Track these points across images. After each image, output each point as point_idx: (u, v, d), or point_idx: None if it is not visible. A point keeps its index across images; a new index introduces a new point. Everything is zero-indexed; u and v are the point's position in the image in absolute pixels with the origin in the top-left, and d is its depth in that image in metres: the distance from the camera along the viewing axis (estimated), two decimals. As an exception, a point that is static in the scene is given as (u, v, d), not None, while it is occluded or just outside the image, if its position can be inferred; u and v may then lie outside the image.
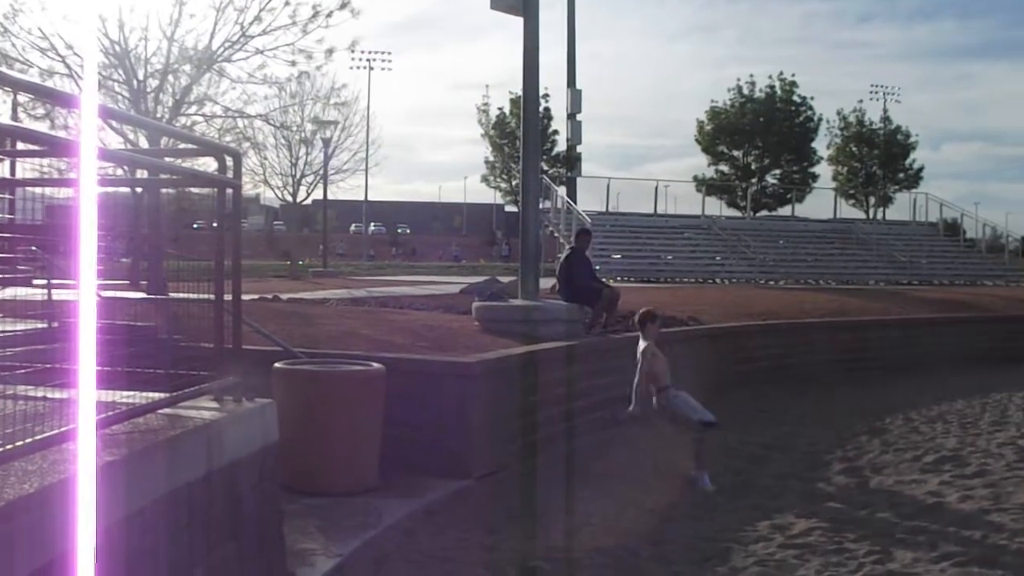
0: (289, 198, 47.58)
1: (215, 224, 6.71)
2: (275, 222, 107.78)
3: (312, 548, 8.54)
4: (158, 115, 22.90)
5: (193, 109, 24.98)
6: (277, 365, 10.82)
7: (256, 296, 20.66)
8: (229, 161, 6.79)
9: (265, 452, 6.76)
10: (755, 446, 15.37)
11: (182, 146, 11.88)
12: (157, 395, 5.94)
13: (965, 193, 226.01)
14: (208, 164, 6.80)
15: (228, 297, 6.79)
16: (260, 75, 24.63)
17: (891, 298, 34.01)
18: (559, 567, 8.99)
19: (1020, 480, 12.92)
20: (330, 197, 54.41)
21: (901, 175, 66.05)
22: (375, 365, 11.09)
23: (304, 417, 10.30)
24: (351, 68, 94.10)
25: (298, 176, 46.31)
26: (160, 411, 5.87)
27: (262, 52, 23.80)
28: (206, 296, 6.67)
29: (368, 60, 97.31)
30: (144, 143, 20.63)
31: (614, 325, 17.66)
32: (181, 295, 6.99)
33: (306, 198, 50.02)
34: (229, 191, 6.73)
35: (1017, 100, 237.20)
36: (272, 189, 47.56)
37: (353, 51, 26.97)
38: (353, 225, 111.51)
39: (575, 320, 16.37)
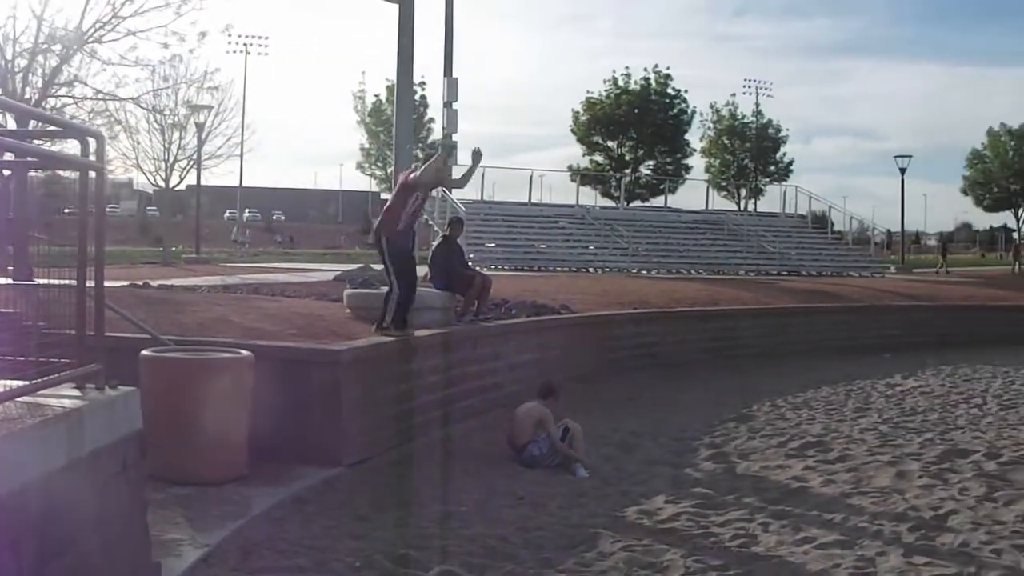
0: (162, 183, 46.70)
1: (79, 208, 6.58)
2: (148, 207, 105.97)
3: (179, 538, 8.44)
4: (26, 97, 22.40)
5: (63, 91, 24.50)
6: (144, 353, 10.66)
7: (127, 283, 20.34)
8: (92, 144, 6.66)
9: (129, 441, 6.66)
10: (625, 433, 15.54)
11: (48, 128, 11.66)
12: (16, 383, 5.82)
13: (834, 186, 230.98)
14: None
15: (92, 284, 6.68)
16: (132, 57, 24.23)
17: (761, 288, 34.62)
18: (429, 554, 8.99)
19: (880, 464, 13.32)
20: (204, 183, 53.59)
21: (772, 168, 67.41)
22: (244, 352, 10.98)
23: (172, 405, 10.17)
24: (227, 52, 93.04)
25: (171, 161, 45.58)
26: (19, 399, 5.75)
27: (134, 34, 23.44)
28: (69, 282, 6.55)
29: (245, 44, 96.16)
30: (13, 126, 20.18)
31: (486, 313, 17.71)
32: (45, 281, 6.83)
33: (179, 183, 49.19)
34: (92, 174, 6.61)
35: (886, 97, 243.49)
36: (145, 174, 46.79)
37: (229, 35, 26.73)
38: (228, 211, 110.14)
39: (447, 308, 16.37)
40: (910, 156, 60.47)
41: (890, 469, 13.03)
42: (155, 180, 47.13)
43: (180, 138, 45.65)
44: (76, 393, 6.30)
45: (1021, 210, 70.89)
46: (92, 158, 6.62)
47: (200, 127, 45.56)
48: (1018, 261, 65.86)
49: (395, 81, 17.40)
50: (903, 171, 59.93)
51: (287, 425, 11.46)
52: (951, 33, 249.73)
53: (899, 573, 8.57)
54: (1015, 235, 78.50)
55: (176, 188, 50.92)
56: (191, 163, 47.39)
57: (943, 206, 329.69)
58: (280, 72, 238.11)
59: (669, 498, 11.51)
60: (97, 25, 22.97)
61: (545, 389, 14.03)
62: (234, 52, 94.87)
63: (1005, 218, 77.67)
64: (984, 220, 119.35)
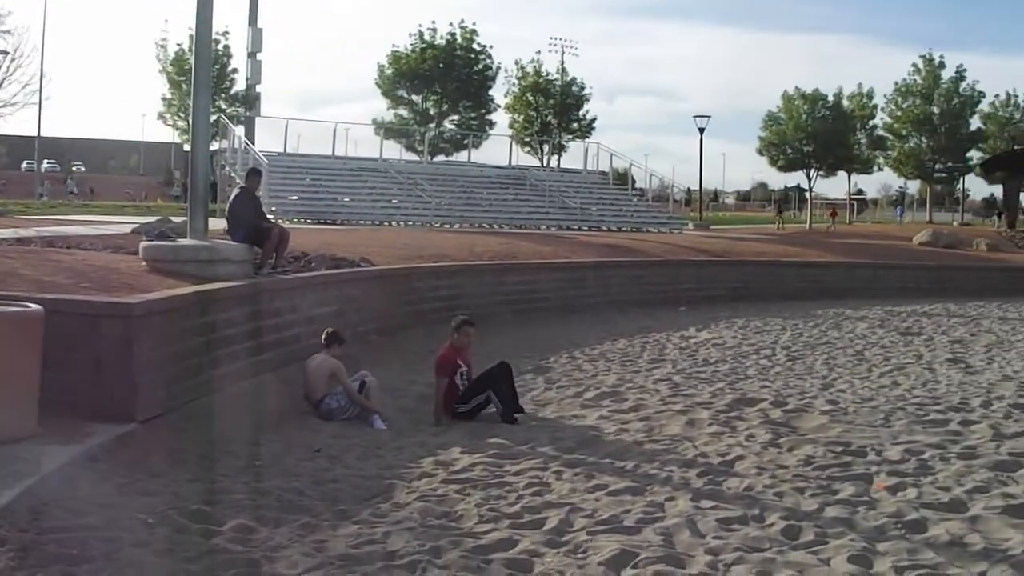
0: (-45, 132, 44.51)
1: None
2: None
3: (-36, 499, 8.24)
4: None
5: None
6: (-74, 307, 10.32)
7: (-88, 237, 19.62)
8: None
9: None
10: (423, 385, 15.62)
11: None
12: None
13: (636, 145, 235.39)
14: None
15: None
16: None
17: (561, 243, 35.13)
18: (223, 509, 8.95)
19: (672, 413, 13.72)
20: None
21: (575, 125, 68.15)
22: (32, 306, 10.68)
23: (-45, 361, 9.87)
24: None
25: (-36, 109, 43.29)
26: None
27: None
28: None
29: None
30: None
31: (284, 266, 17.58)
32: None
33: (-27, 132, 46.92)
34: None
35: (687, 59, 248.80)
36: (-62, 123, 44.26)
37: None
38: (25, 162, 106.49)
39: (245, 260, 16.17)
40: (708, 116, 62.09)
41: (681, 418, 13.42)
42: (-53, 129, 44.85)
43: (-27, 85, 43.45)
44: None
45: (813, 171, 73.13)
46: None
47: (-7, 73, 43.53)
48: (833, 221, 69.40)
49: (193, 28, 16.89)
50: (702, 131, 61.43)
51: (80, 380, 11.22)
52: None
53: (687, 517, 8.82)
54: (807, 195, 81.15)
55: (-30, 138, 48.69)
56: (-15, 112, 45.16)
57: (740, 166, 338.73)
58: (81, 18, 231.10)
59: (465, 449, 11.67)
60: None
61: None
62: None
63: (798, 178, 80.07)
64: (779, 180, 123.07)
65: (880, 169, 79.49)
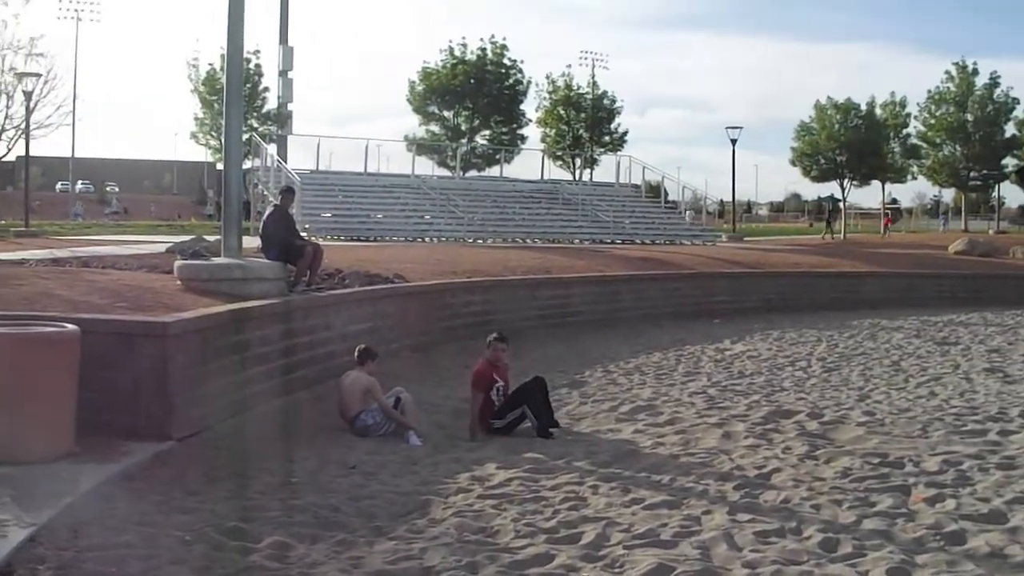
0: (-11, 154, 44.66)
1: None
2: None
3: (4, 519, 8.24)
4: None
5: None
6: (-36, 328, 10.38)
7: (-49, 257, 19.76)
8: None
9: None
10: (458, 400, 15.63)
11: None
12: None
13: (669, 157, 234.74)
14: None
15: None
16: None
17: (594, 256, 35.05)
18: (260, 526, 8.96)
19: (708, 426, 13.69)
20: (33, 154, 51.64)
21: (607, 138, 67.91)
22: (69, 326, 10.74)
23: (-6, 382, 9.93)
24: (58, 18, 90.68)
25: (-2, 131, 43.48)
26: None
27: (-47, -3, 22.61)
28: None
29: (76, 10, 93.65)
30: None
31: (318, 283, 17.62)
32: None
33: (7, 153, 47.00)
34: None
35: (719, 70, 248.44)
36: (-28, 145, 44.42)
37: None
38: (60, 183, 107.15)
39: (279, 278, 16.23)
40: (741, 127, 61.59)
41: (717, 431, 13.41)
42: (-19, 151, 44.99)
43: (7, 107, 43.66)
44: None
45: (846, 181, 72.63)
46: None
47: (28, 95, 43.79)
48: (887, 228, 69.45)
49: (225, 47, 16.96)
50: (734, 142, 60.99)
51: (116, 400, 11.28)
52: (782, 8, 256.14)
53: (723, 530, 8.80)
54: (841, 204, 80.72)
55: (4, 159, 48.77)
56: (19, 133, 45.40)
57: (773, 176, 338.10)
58: (113, 39, 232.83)
59: (500, 464, 11.68)
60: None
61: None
62: (65, 18, 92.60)
63: (832, 188, 79.44)
64: (812, 190, 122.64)
65: (914, 178, 78.72)
